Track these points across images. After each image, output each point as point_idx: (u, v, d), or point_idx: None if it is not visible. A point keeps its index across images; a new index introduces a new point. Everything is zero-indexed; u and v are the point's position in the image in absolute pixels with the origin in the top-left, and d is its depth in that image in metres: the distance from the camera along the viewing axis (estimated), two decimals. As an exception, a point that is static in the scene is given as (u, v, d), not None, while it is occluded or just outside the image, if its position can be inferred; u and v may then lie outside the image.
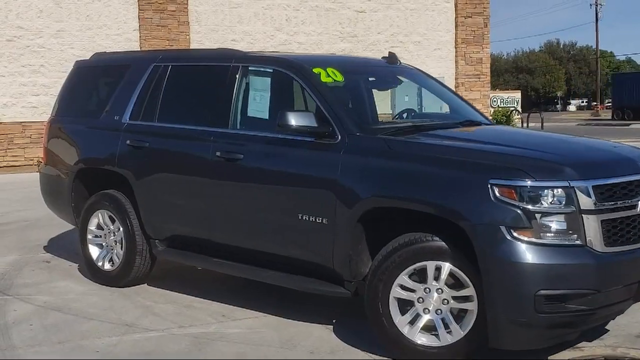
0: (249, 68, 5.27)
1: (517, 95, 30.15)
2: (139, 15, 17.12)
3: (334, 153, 4.58)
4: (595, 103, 65.07)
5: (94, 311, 5.37)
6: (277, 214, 4.88)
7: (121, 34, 17.15)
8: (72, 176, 6.22)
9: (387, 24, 19.21)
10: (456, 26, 19.72)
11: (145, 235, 5.82)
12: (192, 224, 5.46)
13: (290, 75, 5.04)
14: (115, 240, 6.01)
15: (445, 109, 5.79)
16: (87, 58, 6.81)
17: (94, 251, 6.17)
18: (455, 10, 19.70)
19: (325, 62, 5.22)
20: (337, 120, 4.66)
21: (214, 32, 17.66)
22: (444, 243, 4.11)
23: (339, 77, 5.00)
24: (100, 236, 6.14)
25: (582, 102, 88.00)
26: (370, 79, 5.63)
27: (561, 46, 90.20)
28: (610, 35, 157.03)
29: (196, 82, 5.65)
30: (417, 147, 4.49)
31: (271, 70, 5.19)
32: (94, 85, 6.55)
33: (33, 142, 16.42)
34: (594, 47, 67.78)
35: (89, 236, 6.18)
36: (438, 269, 4.13)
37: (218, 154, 5.15)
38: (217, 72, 5.45)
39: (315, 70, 4.98)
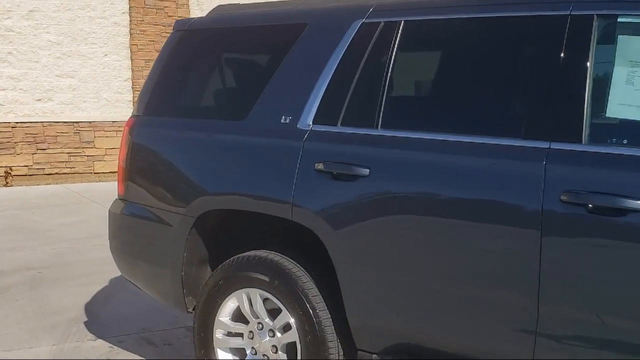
0: (621, 20, 2.60)
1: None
2: (129, -5, 14.15)
3: None
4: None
5: None
6: None
7: (107, 17, 14.11)
8: (187, 224, 3.41)
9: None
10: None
11: (344, 341, 3.09)
12: (479, 332, 2.75)
13: None
14: (275, 346, 3.24)
15: None
16: (195, 17, 3.93)
17: (228, 361, 3.40)
18: None
19: None
20: None
21: (220, 18, 14.78)
22: None
23: None
24: (242, 335, 3.36)
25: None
26: None
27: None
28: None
29: (476, 52, 2.92)
30: None
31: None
32: (217, 62, 3.73)
33: (-3, 147, 13.28)
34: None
35: (218, 334, 3.39)
36: None
37: (564, 198, 2.46)
38: (529, 30, 2.75)
39: None
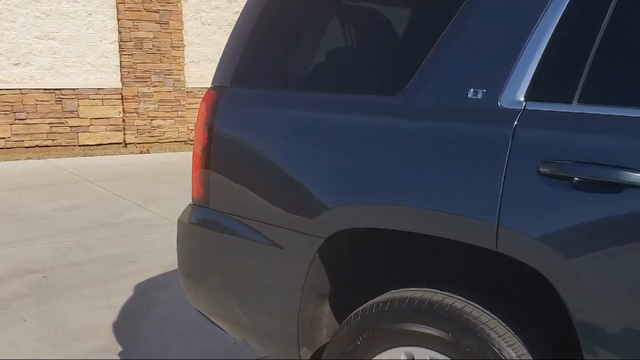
0: None
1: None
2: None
3: None
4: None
5: None
6: None
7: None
8: (310, 247, 2.30)
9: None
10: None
11: None
12: None
13: None
14: None
15: None
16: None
17: None
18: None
19: None
20: None
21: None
22: None
23: None
24: (397, 412, 2.28)
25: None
26: None
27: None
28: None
29: None
30: None
31: None
32: (345, 11, 2.57)
33: (-27, 117, 11.93)
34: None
35: (359, 408, 2.30)
36: None
37: None
38: None
39: None
